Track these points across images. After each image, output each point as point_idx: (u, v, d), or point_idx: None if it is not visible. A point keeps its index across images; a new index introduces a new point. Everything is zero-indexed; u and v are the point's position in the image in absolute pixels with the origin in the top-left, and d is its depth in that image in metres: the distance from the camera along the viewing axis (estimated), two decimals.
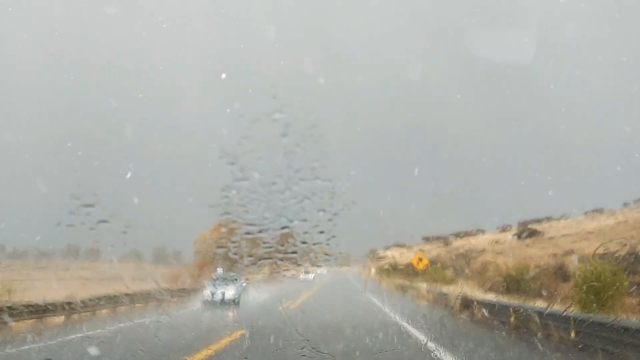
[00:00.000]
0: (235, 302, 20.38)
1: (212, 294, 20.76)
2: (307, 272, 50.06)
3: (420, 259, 20.75)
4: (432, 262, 39.84)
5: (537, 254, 24.53)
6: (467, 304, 14.35)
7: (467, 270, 23.58)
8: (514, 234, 47.96)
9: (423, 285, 17.39)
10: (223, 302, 20.22)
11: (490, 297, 14.96)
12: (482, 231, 71.94)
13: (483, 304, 13.16)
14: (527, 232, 48.73)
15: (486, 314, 12.60)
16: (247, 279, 23.31)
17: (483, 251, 31.31)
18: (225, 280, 21.80)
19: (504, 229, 62.68)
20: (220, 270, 23.70)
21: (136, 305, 19.36)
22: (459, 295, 14.70)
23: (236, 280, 22.14)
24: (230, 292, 20.83)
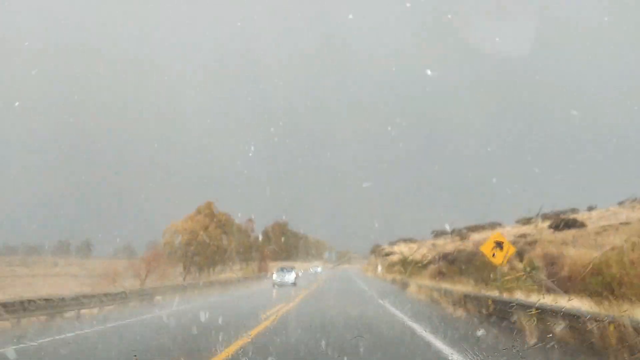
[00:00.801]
0: None
1: None
2: (285, 270, 36.67)
3: (499, 245, 11.84)
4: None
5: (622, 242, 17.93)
6: None
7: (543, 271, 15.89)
8: (549, 226, 41.17)
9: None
10: None
11: None
12: (499, 224, 65.66)
13: None
14: (562, 222, 41.92)
15: None
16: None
17: (533, 243, 24.48)
18: None
19: (526, 222, 56.37)
20: None
21: None
22: None
23: None
24: None
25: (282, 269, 37.61)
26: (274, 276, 36.17)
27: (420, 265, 32.69)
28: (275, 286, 32.91)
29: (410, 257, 46.78)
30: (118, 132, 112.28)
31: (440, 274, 24.62)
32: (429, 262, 31.55)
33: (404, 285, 25.50)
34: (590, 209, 56.23)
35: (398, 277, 36.30)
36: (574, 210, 59.90)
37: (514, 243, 33.52)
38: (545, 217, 58.54)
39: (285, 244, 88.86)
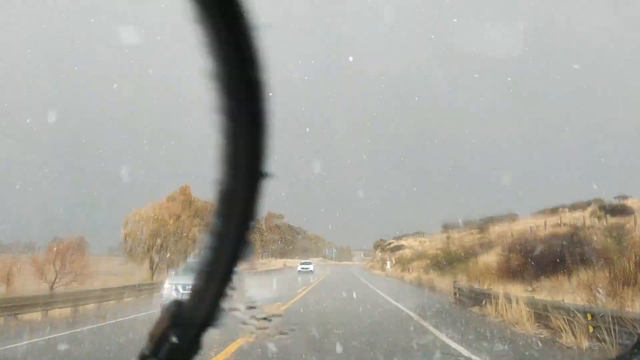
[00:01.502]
0: None
1: None
2: (188, 273, 15.32)
3: None
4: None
5: None
6: None
7: None
8: (592, 214, 35.71)
9: None
10: None
11: None
12: (516, 215, 60.70)
13: None
14: (608, 209, 37.00)
15: None
16: None
17: (619, 229, 18.79)
18: None
19: (551, 212, 51.46)
20: None
21: None
22: None
23: None
24: None
25: (186, 269, 17.18)
26: (165, 284, 16.00)
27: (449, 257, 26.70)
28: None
29: (425, 250, 40.98)
30: (116, 124, 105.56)
31: (519, 273, 18.28)
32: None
33: (468, 296, 16.29)
34: (620, 197, 51.36)
35: (424, 277, 30.22)
36: (597, 201, 55.07)
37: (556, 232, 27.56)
38: (572, 207, 53.83)
39: (281, 239, 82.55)
